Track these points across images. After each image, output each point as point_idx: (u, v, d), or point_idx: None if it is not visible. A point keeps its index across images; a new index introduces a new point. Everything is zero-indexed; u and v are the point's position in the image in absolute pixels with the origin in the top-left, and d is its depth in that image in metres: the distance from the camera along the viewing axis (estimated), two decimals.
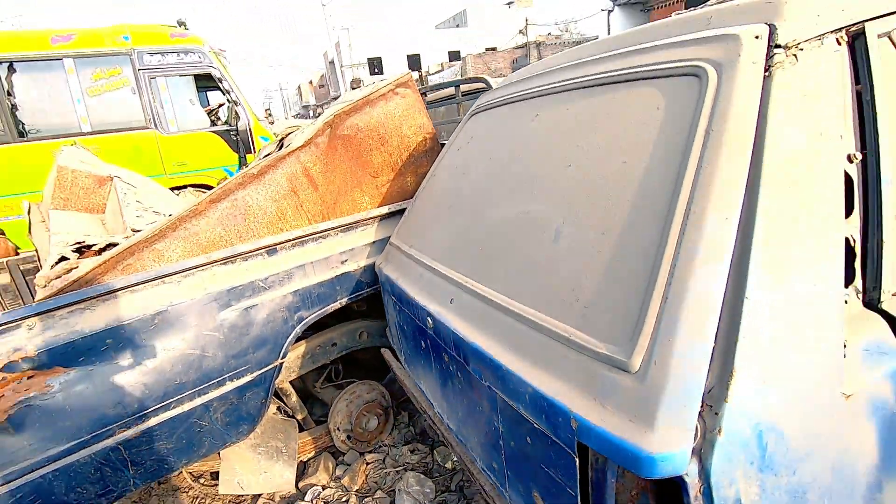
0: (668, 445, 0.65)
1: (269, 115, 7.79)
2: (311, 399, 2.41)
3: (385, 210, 2.02)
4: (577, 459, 0.80)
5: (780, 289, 0.72)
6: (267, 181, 1.79)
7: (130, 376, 1.49)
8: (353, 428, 2.19)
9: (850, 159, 0.85)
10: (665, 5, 17.71)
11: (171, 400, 1.56)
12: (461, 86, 3.01)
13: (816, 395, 0.72)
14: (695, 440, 0.66)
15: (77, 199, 2.64)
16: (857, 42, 0.91)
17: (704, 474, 0.66)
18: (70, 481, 1.42)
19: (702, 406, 0.67)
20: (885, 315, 0.81)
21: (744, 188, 0.76)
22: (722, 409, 0.66)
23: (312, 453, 2.22)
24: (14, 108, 5.19)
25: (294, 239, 1.80)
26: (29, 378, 1.35)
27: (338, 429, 2.18)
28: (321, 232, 1.86)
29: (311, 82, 59.24)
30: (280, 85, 70.39)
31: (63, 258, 1.62)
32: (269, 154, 2.10)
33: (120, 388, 1.47)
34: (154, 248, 1.60)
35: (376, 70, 41.09)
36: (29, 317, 1.38)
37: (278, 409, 2.17)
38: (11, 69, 5.16)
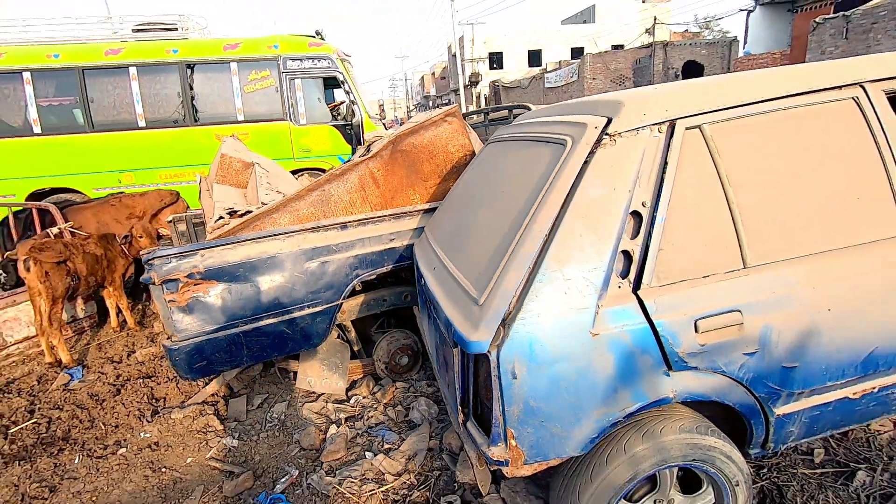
0: (480, 338, 1.32)
1: (382, 110, 8.93)
2: (367, 340, 3.27)
3: (426, 206, 2.77)
4: (457, 352, 1.49)
5: (560, 272, 1.34)
6: (345, 179, 2.65)
7: (251, 292, 2.43)
8: (389, 361, 3.00)
9: (643, 205, 1.42)
10: (813, 7, 16.05)
11: (272, 312, 2.49)
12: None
13: (572, 329, 1.32)
14: (496, 339, 1.32)
15: (231, 177, 3.76)
16: (672, 131, 1.46)
17: (497, 355, 1.31)
18: (213, 349, 2.41)
19: (502, 323, 1.33)
20: (638, 298, 1.37)
21: (556, 214, 1.39)
22: (511, 326, 1.32)
23: (361, 375, 3.08)
24: (192, 99, 6.80)
25: (359, 220, 2.63)
26: (196, 284, 2.34)
27: (379, 360, 3.01)
28: (378, 217, 2.67)
29: (433, 73, 61.57)
30: (405, 74, 73.86)
31: (220, 217, 2.62)
32: (360, 155, 2.97)
33: (245, 298, 2.42)
34: (271, 217, 2.53)
35: (495, 65, 41.70)
36: (201, 249, 2.37)
37: (340, 338, 3.05)
38: (193, 69, 6.75)
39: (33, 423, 2.85)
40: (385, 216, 2.69)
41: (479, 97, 42.45)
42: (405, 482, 2.18)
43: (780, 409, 1.50)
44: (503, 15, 53.11)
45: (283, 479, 2.27)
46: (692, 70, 25.18)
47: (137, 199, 4.93)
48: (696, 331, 1.37)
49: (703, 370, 1.40)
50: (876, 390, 1.55)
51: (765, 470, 1.98)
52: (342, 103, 7.56)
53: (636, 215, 1.41)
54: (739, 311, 1.39)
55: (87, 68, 6.52)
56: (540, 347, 1.32)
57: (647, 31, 29.18)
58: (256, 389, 3.08)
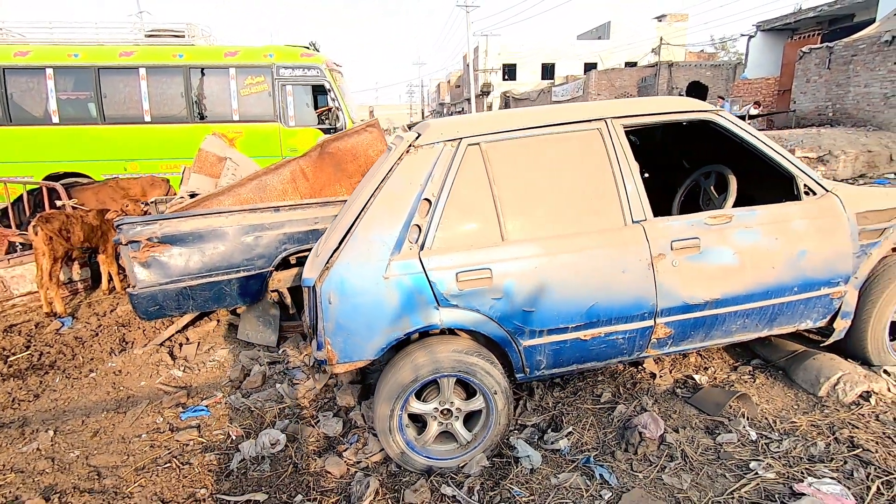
0: (309, 276, 2.01)
1: (372, 115, 9.65)
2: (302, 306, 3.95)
3: (347, 197, 3.46)
4: (307, 290, 2.17)
5: (366, 236, 2.02)
6: (279, 172, 3.36)
7: (198, 255, 3.14)
8: None
9: (433, 194, 2.08)
10: (803, 37, 16.55)
11: (213, 272, 3.19)
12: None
13: (370, 273, 1.98)
14: (320, 277, 2.00)
15: (206, 168, 4.50)
16: (458, 146, 2.13)
17: (320, 288, 1.99)
18: (164, 297, 3.11)
19: (325, 267, 2.00)
20: (419, 257, 2.03)
21: (368, 198, 2.07)
22: (330, 270, 1.99)
23: (293, 334, 3.77)
24: (193, 99, 7.60)
25: (290, 205, 3.33)
26: (154, 246, 3.05)
27: (305, 321, 3.69)
28: (305, 204, 3.36)
29: (448, 81, 62.51)
30: (421, 81, 74.85)
31: (182, 198, 3.34)
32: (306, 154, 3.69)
33: (192, 260, 3.13)
34: (218, 199, 3.25)
35: (506, 76, 42.43)
36: (160, 220, 3.08)
37: (278, 302, 3.74)
38: (195, 72, 7.55)
39: (28, 355, 3.58)
40: (312, 203, 3.38)
41: (490, 107, 43.19)
42: (299, 403, 2.85)
43: (526, 342, 2.15)
44: (519, 27, 53.92)
45: (209, 398, 2.96)
46: (696, 90, 25.68)
47: (131, 183, 5.72)
48: (457, 280, 2.03)
49: (462, 308, 2.06)
50: (603, 335, 2.19)
51: (560, 404, 2.62)
52: (329, 109, 8.31)
53: (427, 201, 2.08)
54: (490, 268, 2.05)
55: (102, 67, 7.36)
56: (348, 284, 2.00)
57: (652, 50, 29.61)
58: (208, 340, 3.78)
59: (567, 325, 2.15)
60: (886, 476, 1.89)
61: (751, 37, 21.28)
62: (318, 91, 8.22)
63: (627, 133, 2.29)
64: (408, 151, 2.14)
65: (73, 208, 4.86)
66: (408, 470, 2.21)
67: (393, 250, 2.03)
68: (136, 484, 2.25)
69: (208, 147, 4.53)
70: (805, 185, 2.32)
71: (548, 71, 40.85)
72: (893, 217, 2.37)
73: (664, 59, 27.43)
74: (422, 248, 2.06)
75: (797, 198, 2.33)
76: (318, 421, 2.66)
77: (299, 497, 2.12)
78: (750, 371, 2.77)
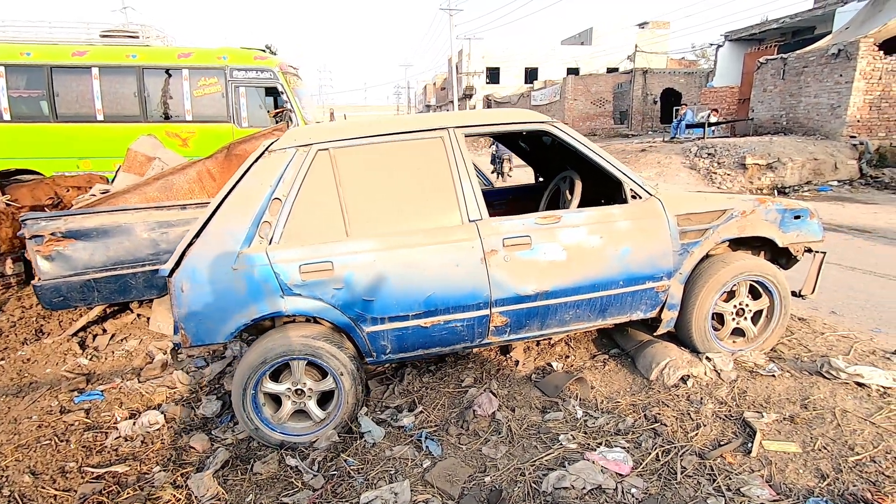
0: (164, 268, 2.22)
1: (333, 117, 9.86)
2: None
3: None
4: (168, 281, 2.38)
5: (218, 230, 2.23)
6: (186, 172, 3.56)
7: (102, 250, 3.32)
8: None
9: (284, 194, 2.31)
10: (762, 48, 17.10)
11: (120, 265, 3.37)
12: None
13: (220, 264, 2.19)
14: (174, 269, 2.21)
15: (135, 168, 4.67)
16: (309, 151, 2.36)
17: (173, 278, 2.20)
18: (68, 289, 3.29)
19: (179, 259, 2.21)
20: (266, 252, 2.25)
21: (223, 196, 2.28)
22: (182, 261, 2.20)
23: None
24: (146, 99, 7.74)
25: (196, 203, 3.53)
26: (58, 241, 3.23)
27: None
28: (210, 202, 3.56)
29: (434, 84, 62.86)
30: (408, 83, 75.07)
31: (93, 196, 3.53)
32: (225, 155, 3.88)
33: (97, 254, 3.31)
34: (124, 197, 3.44)
35: (490, 80, 42.84)
36: (65, 216, 3.27)
37: None
38: (147, 73, 7.69)
39: None
40: None
41: (473, 109, 43.53)
42: (189, 388, 3.06)
43: (369, 328, 2.38)
44: (503, 31, 54.49)
45: (107, 384, 3.14)
46: (670, 97, 26.28)
47: (69, 180, 5.85)
48: (300, 272, 2.26)
49: (306, 296, 2.28)
50: (442, 323, 2.43)
51: (425, 388, 2.85)
52: (282, 111, 8.49)
53: (278, 200, 2.31)
54: (331, 261, 2.28)
55: (55, 66, 7.47)
56: (199, 274, 2.22)
57: (628, 57, 30.18)
58: (124, 331, 3.96)
59: (407, 313, 2.39)
60: (668, 446, 2.15)
61: (719, 46, 21.86)
62: (273, 93, 8.41)
63: (518, 141, 2.54)
64: (263, 155, 2.36)
65: (7, 205, 4.99)
66: (264, 444, 2.43)
67: (243, 244, 2.25)
68: (13, 458, 2.44)
69: (138, 147, 4.70)
70: (631, 190, 2.59)
71: (531, 75, 41.33)
72: (713, 219, 2.64)
73: (640, 66, 27.97)
74: (270, 242, 2.28)
75: (625, 201, 2.59)
76: (201, 403, 2.86)
77: (157, 468, 2.33)
78: (605, 359, 3.03)
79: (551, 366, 2.98)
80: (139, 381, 3.15)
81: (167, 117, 7.87)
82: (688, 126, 16.37)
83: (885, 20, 12.22)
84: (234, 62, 7.91)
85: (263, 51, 8.57)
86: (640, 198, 2.59)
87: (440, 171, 2.44)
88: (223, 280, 2.22)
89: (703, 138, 14.25)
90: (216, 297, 2.23)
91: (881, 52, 11.43)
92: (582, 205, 2.99)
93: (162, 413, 2.74)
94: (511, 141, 3.61)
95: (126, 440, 2.55)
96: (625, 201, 2.60)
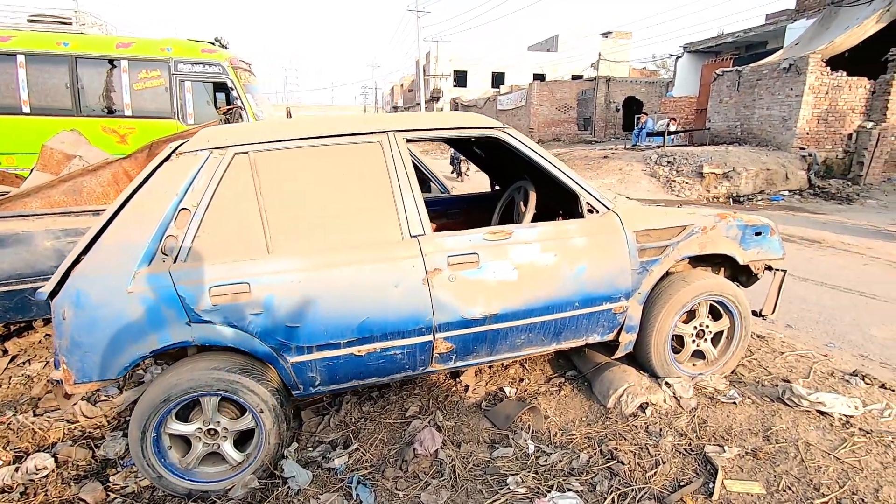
0: (43, 291, 1.86)
1: (290, 116, 9.41)
2: None
3: None
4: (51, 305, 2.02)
5: (110, 245, 1.89)
6: (99, 174, 3.16)
7: (5, 258, 2.88)
8: None
9: (193, 204, 1.99)
10: (717, 60, 17.65)
11: (18, 279, 2.94)
12: None
13: (112, 286, 1.86)
14: (54, 291, 1.85)
15: (52, 166, 4.18)
16: (225, 154, 2.05)
17: (53, 302, 1.84)
18: None
19: (61, 279, 1.86)
20: (170, 272, 1.94)
21: (119, 205, 1.94)
22: (66, 282, 1.85)
23: None
24: (80, 91, 7.12)
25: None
26: None
27: None
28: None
29: (402, 85, 62.50)
30: (375, 84, 74.42)
31: None
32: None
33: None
34: (23, 201, 3.00)
35: (457, 83, 42.83)
36: None
37: None
38: (81, 63, 7.08)
39: None
40: None
41: (441, 111, 43.46)
42: (94, 423, 2.66)
43: (294, 359, 2.08)
44: (471, 35, 54.71)
45: None
46: (632, 105, 26.87)
47: None
48: (210, 295, 1.94)
49: (217, 324, 1.97)
50: (379, 351, 2.16)
51: (365, 419, 2.57)
52: (232, 108, 8.01)
53: (186, 211, 1.98)
54: (248, 283, 1.97)
55: None
56: (85, 297, 1.87)
57: (592, 65, 30.73)
58: (28, 353, 3.49)
59: (338, 340, 2.10)
60: (625, 488, 1.95)
61: (678, 57, 22.48)
62: (223, 89, 7.92)
63: (472, 147, 2.29)
64: (167, 159, 2.03)
65: None
66: (170, 494, 2.09)
67: (141, 262, 1.91)
68: None
69: (55, 144, 4.22)
70: (587, 203, 2.39)
71: (498, 79, 41.54)
72: (673, 235, 2.48)
73: (604, 74, 28.50)
74: (175, 260, 1.95)
75: (581, 215, 2.40)
76: (104, 441, 2.49)
77: None
78: (561, 383, 2.83)
79: (503, 391, 2.76)
80: (34, 414, 2.73)
81: (104, 111, 7.27)
82: (648, 134, 16.68)
83: (831, 38, 12.76)
84: (179, 54, 7.39)
85: (213, 43, 8.07)
86: (597, 212, 2.40)
87: (378, 180, 2.17)
88: (116, 305, 1.88)
89: (663, 146, 14.51)
90: (107, 325, 1.88)
91: (828, 67, 11.90)
92: (540, 218, 2.78)
93: (54, 455, 2.35)
94: (464, 147, 3.38)
95: (4, 492, 2.16)
96: (581, 216, 2.40)
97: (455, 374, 2.90)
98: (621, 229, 2.38)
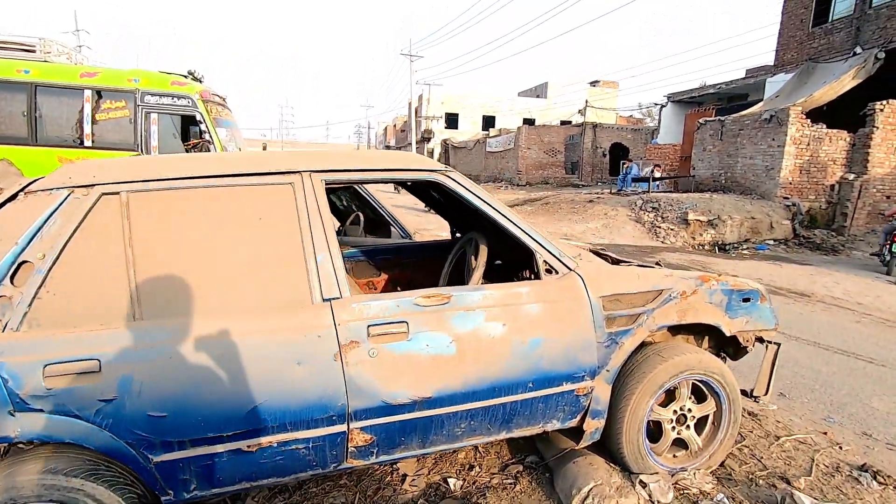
0: None
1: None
2: None
3: None
4: None
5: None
6: None
7: None
8: None
9: (41, 256, 1.57)
10: (701, 109, 17.98)
11: None
12: None
13: None
14: None
15: None
16: (89, 194, 1.64)
17: None
18: None
19: None
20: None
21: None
22: None
23: None
24: (37, 119, 6.78)
25: None
26: None
27: None
28: None
29: (394, 125, 63.69)
30: (368, 123, 75.84)
31: None
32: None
33: None
34: None
35: (447, 125, 43.59)
36: None
37: None
38: (41, 91, 6.78)
39: None
40: None
41: (431, 153, 44.06)
42: None
43: (160, 457, 1.61)
44: (464, 79, 56.24)
45: None
46: (618, 151, 27.28)
47: None
48: (44, 375, 1.49)
49: (53, 413, 1.51)
50: (276, 445, 1.70)
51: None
52: (199, 143, 7.70)
53: (29, 265, 1.56)
54: (98, 359, 1.53)
55: None
56: None
57: (579, 111, 31.43)
58: None
59: (220, 433, 1.65)
60: None
61: (662, 106, 23.00)
62: (191, 122, 7.61)
63: (428, 190, 1.91)
64: (13, 199, 1.63)
65: None
66: None
67: None
68: None
69: None
70: (545, 262, 2.00)
71: (488, 122, 42.33)
72: (647, 301, 2.09)
73: (590, 121, 29.07)
74: (4, 328, 1.51)
75: (538, 276, 2.01)
76: None
77: None
78: (518, 472, 2.36)
79: (448, 483, 2.28)
80: None
81: (62, 142, 6.90)
82: (634, 179, 16.71)
83: (810, 92, 12.99)
84: (146, 86, 7.12)
85: (185, 76, 7.84)
86: (557, 272, 2.01)
87: (285, 231, 1.77)
88: None
89: (648, 192, 14.46)
90: None
91: (808, 120, 12.02)
92: (503, 277, 2.39)
93: None
94: (417, 190, 3.02)
95: None
96: (537, 276, 2.01)
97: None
98: (585, 294, 1.99)
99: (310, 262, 1.75)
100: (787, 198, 12.18)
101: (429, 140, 43.55)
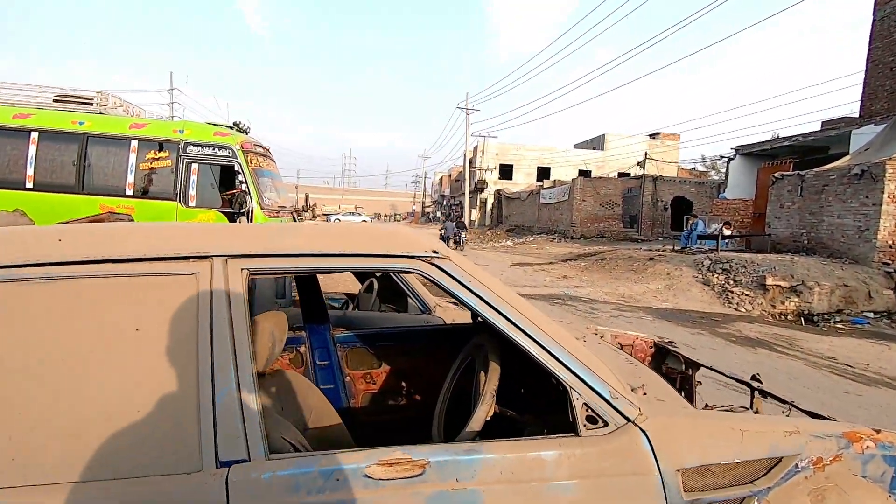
0: None
1: (307, 201, 9.02)
2: None
3: None
4: None
5: None
6: None
7: None
8: None
9: None
10: (775, 163, 16.51)
11: None
12: None
13: None
14: None
15: None
16: None
17: None
18: None
19: None
20: None
21: None
22: None
23: None
24: (85, 169, 6.90)
25: None
26: None
27: None
28: None
29: (450, 175, 64.92)
30: (424, 173, 77.98)
31: None
32: None
33: None
34: None
35: (501, 176, 43.64)
36: None
37: None
38: (92, 142, 6.93)
39: None
40: None
41: (484, 203, 44.07)
42: None
43: None
44: (518, 131, 56.78)
45: None
46: (681, 205, 25.76)
47: None
48: None
49: None
50: None
51: None
52: (238, 192, 7.58)
53: None
54: None
55: None
56: None
57: (638, 164, 30.37)
58: None
59: None
60: None
61: (730, 159, 21.59)
62: (231, 172, 7.54)
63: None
64: None
65: None
66: None
67: None
68: None
69: None
70: (586, 406, 1.25)
71: (543, 173, 41.94)
72: (757, 475, 1.27)
73: (650, 173, 27.92)
74: None
75: (574, 428, 1.25)
76: None
77: None
78: None
79: None
80: None
81: (103, 190, 6.96)
82: (699, 237, 15.36)
83: None
84: (190, 137, 7.16)
85: (231, 127, 7.90)
86: (606, 423, 1.25)
87: (174, 348, 1.16)
88: None
89: (717, 251, 13.12)
90: None
91: None
92: (519, 403, 1.65)
93: None
94: None
95: None
96: (574, 427, 1.26)
97: None
98: (652, 463, 1.21)
99: (203, 400, 1.11)
100: (887, 263, 10.52)
101: (482, 190, 43.69)
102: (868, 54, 14.38)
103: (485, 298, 1.28)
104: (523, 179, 42.67)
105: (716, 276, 11.33)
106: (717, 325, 8.57)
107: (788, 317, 9.83)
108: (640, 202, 26.28)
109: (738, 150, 20.44)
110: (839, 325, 9.33)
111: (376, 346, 2.53)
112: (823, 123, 19.29)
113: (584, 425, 1.23)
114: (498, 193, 40.90)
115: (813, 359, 6.55)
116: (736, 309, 10.10)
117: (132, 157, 6.99)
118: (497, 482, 1.14)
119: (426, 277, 1.29)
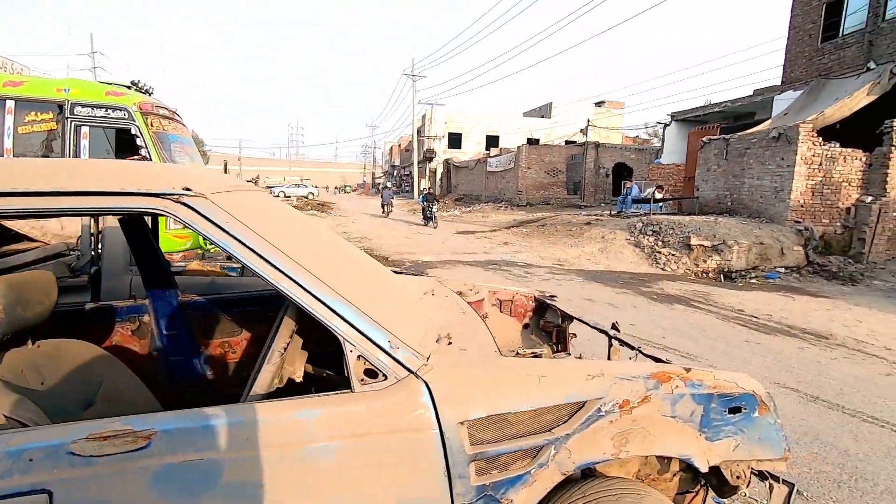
0: None
1: (226, 168, 8.43)
2: None
3: None
4: None
5: None
6: None
7: None
8: None
9: None
10: (705, 128, 17.10)
11: None
12: None
13: None
14: None
15: None
16: None
17: None
18: None
19: None
20: None
21: None
22: None
23: None
24: None
25: None
26: None
27: None
28: None
29: (399, 145, 63.70)
30: (374, 143, 76.35)
31: None
32: None
33: None
34: None
35: (450, 145, 43.19)
36: None
37: None
38: None
39: None
40: None
41: (433, 173, 43.61)
42: None
43: None
44: (466, 98, 56.14)
45: None
46: (622, 171, 26.44)
47: None
48: None
49: None
50: None
51: None
52: (139, 158, 6.97)
53: None
54: None
55: None
56: None
57: (581, 131, 30.80)
58: None
59: None
60: None
61: (665, 125, 22.19)
62: (129, 136, 6.88)
63: None
64: None
65: None
66: None
67: None
68: None
69: None
70: (361, 358, 1.11)
71: (491, 142, 41.80)
72: (556, 423, 1.19)
73: (592, 140, 28.35)
74: None
75: (348, 383, 1.11)
76: None
77: None
78: None
79: None
80: None
81: None
82: (634, 201, 15.83)
83: (821, 109, 12.12)
84: (78, 96, 6.43)
85: (127, 87, 7.18)
86: (385, 377, 1.12)
87: None
88: None
89: (649, 214, 13.55)
90: None
91: (819, 138, 11.13)
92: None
93: None
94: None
95: None
96: (348, 383, 1.11)
97: None
98: (431, 417, 1.09)
99: None
100: (798, 221, 11.21)
101: (431, 160, 43.16)
102: (790, 20, 14.92)
103: (246, 242, 1.10)
104: (473, 148, 42.40)
105: (646, 238, 11.70)
106: (642, 285, 8.86)
107: (710, 274, 10.32)
108: (584, 169, 26.76)
109: (673, 116, 21.03)
110: (753, 281, 9.89)
111: (234, 312, 2.33)
112: (755, 91, 20.10)
113: (362, 380, 1.09)
114: (447, 163, 40.60)
115: (724, 312, 6.88)
116: (663, 269, 10.49)
117: (9, 119, 6.22)
118: (245, 449, 0.99)
119: (176, 219, 1.09)
